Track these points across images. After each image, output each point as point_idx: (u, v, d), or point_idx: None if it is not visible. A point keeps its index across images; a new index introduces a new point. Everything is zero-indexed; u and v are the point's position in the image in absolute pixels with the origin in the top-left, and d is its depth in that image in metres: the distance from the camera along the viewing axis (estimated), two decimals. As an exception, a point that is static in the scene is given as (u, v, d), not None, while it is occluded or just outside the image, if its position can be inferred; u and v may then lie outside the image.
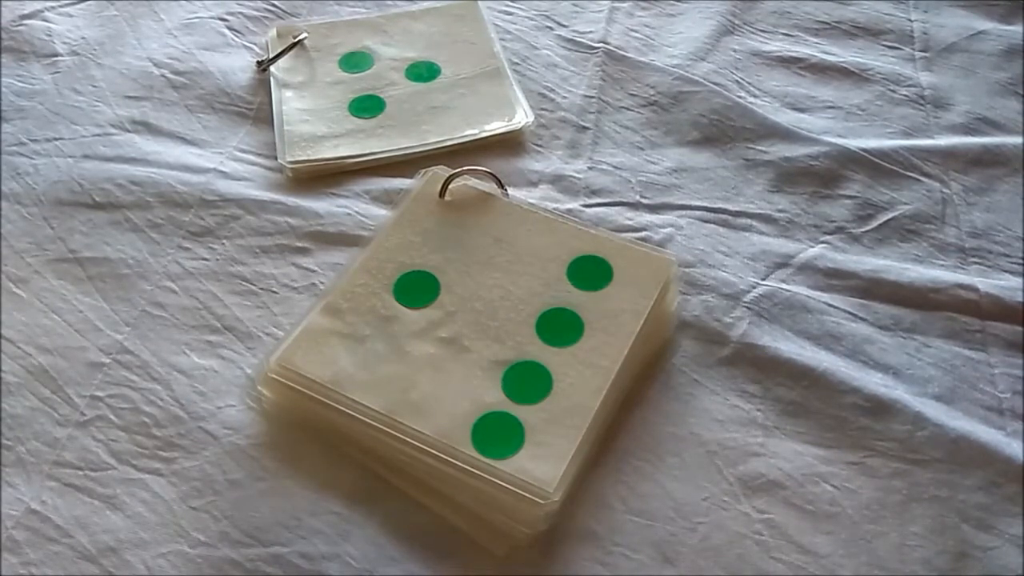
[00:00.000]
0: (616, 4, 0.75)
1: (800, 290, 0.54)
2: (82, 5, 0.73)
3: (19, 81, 0.66)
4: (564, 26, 0.73)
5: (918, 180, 0.61)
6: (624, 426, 0.48)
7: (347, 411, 0.46)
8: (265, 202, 0.58)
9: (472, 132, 0.63)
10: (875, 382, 0.50)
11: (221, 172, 0.60)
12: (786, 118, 0.65)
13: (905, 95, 0.68)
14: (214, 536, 0.44)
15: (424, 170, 0.56)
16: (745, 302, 0.53)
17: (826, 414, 0.49)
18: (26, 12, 0.71)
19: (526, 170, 0.61)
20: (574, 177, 0.61)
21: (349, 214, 0.58)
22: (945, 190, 0.61)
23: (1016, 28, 0.73)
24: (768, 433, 0.48)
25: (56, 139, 0.62)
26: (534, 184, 0.61)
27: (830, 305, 0.54)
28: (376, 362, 0.48)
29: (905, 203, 0.60)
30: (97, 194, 0.58)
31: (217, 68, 0.67)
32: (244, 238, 0.56)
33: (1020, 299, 0.54)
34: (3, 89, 0.65)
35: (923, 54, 0.71)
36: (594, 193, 0.60)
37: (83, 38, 0.69)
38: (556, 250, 0.52)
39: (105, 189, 0.58)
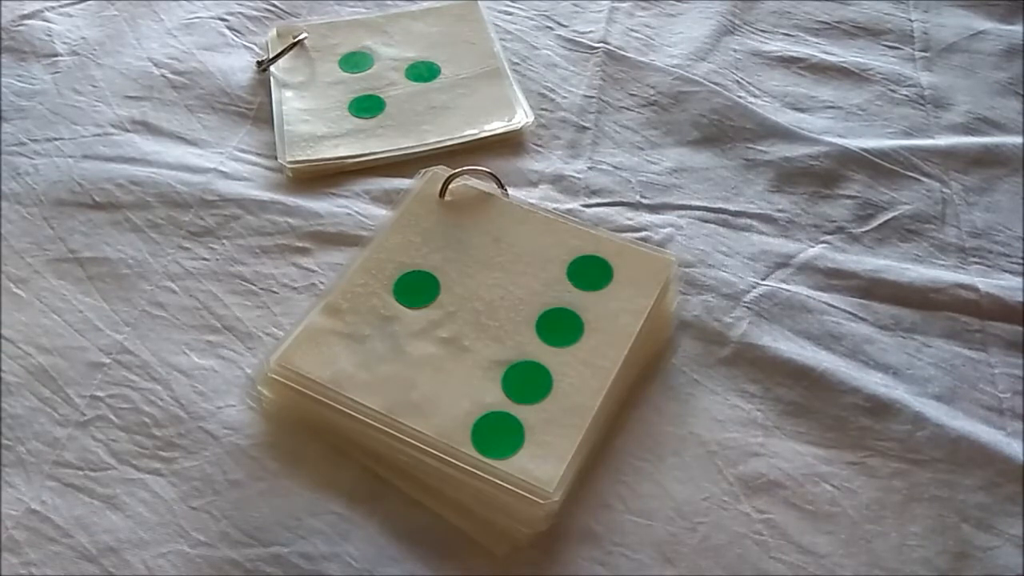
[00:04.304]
0: (616, 4, 0.75)
1: (800, 290, 0.54)
2: (82, 5, 0.73)
3: (19, 81, 0.66)
4: (564, 26, 0.73)
5: (918, 180, 0.61)
6: (624, 426, 0.48)
7: (347, 411, 0.46)
8: (265, 202, 0.58)
9: (472, 132, 0.63)
10: (875, 382, 0.50)
11: (221, 172, 0.60)
12: (786, 118, 0.65)
13: (905, 95, 0.68)
14: (214, 536, 0.44)
15: (424, 170, 0.56)
16: (745, 302, 0.53)
17: (826, 414, 0.49)
18: (26, 12, 0.71)
19: (526, 170, 0.61)
20: (574, 177, 0.61)
21: (349, 214, 0.58)
22: (945, 190, 0.61)
23: (1016, 28, 0.73)
24: (768, 433, 0.48)
25: (56, 139, 0.62)
26: (534, 184, 0.61)
27: (830, 305, 0.54)
28: (376, 362, 0.48)
29: (905, 203, 0.60)
30: (97, 194, 0.58)
31: (217, 68, 0.67)
32: (244, 238, 0.56)
33: (1020, 299, 0.54)
34: (3, 89, 0.65)
35: (923, 54, 0.71)
36: (594, 193, 0.60)
37: (83, 38, 0.69)
38: (556, 250, 0.52)
39: (105, 189, 0.58)
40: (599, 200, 0.60)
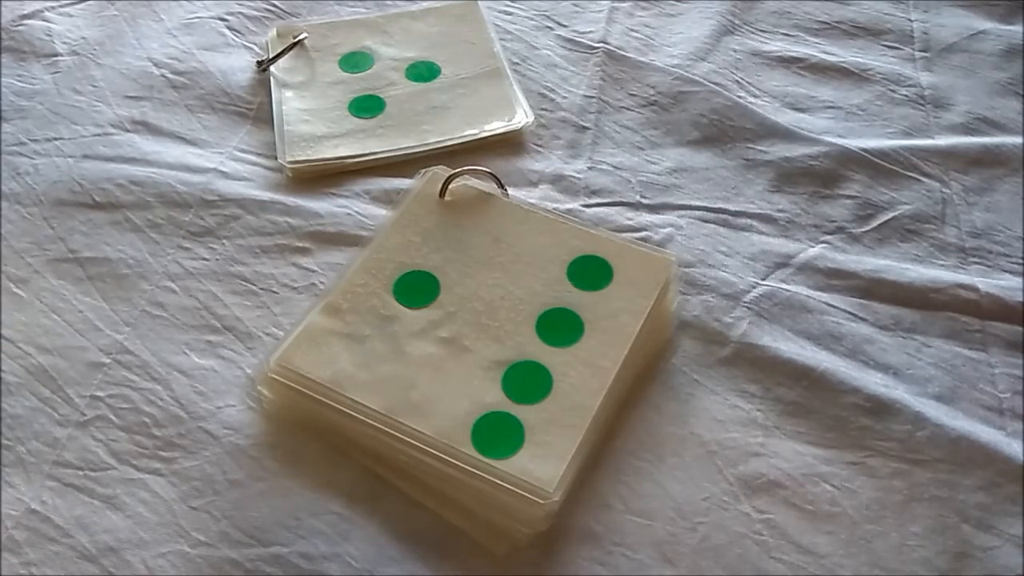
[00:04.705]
0: (616, 4, 0.75)
1: (800, 290, 0.54)
2: (82, 5, 0.73)
3: (19, 81, 0.66)
4: (564, 26, 0.73)
5: (918, 180, 0.61)
6: (624, 426, 0.48)
7: (347, 411, 0.46)
8: (265, 202, 0.58)
9: (472, 132, 0.63)
10: (875, 382, 0.50)
11: (221, 172, 0.60)
12: (786, 118, 0.65)
13: (905, 95, 0.68)
14: (214, 536, 0.44)
15: (424, 170, 0.56)
16: (745, 302, 0.53)
17: (826, 414, 0.49)
18: (26, 12, 0.71)
19: (526, 170, 0.61)
20: (574, 177, 0.61)
21: (349, 214, 0.58)
22: (945, 190, 0.61)
23: (1016, 28, 0.73)
24: (768, 433, 0.48)
25: (56, 139, 0.62)
26: (534, 184, 0.61)
27: (830, 305, 0.54)
28: (376, 362, 0.48)
29: (905, 203, 0.60)
30: (97, 194, 0.58)
31: (217, 68, 0.67)
32: (244, 238, 0.56)
33: (1020, 299, 0.54)
34: (3, 89, 0.65)
35: (923, 54, 0.71)
36: (594, 193, 0.60)
37: (83, 38, 0.69)
38: (556, 250, 0.52)
39: (105, 189, 0.58)
40: (599, 200, 0.60)
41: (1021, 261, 0.57)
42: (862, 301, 0.54)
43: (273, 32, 0.70)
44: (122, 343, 0.51)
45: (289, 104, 0.65)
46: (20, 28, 0.70)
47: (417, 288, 0.51)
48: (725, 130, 0.64)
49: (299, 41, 0.68)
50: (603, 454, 0.47)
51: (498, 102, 0.65)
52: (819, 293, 0.54)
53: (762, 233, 0.58)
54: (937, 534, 0.44)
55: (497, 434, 0.45)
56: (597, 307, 0.50)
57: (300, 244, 0.56)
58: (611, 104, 0.66)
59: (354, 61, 0.68)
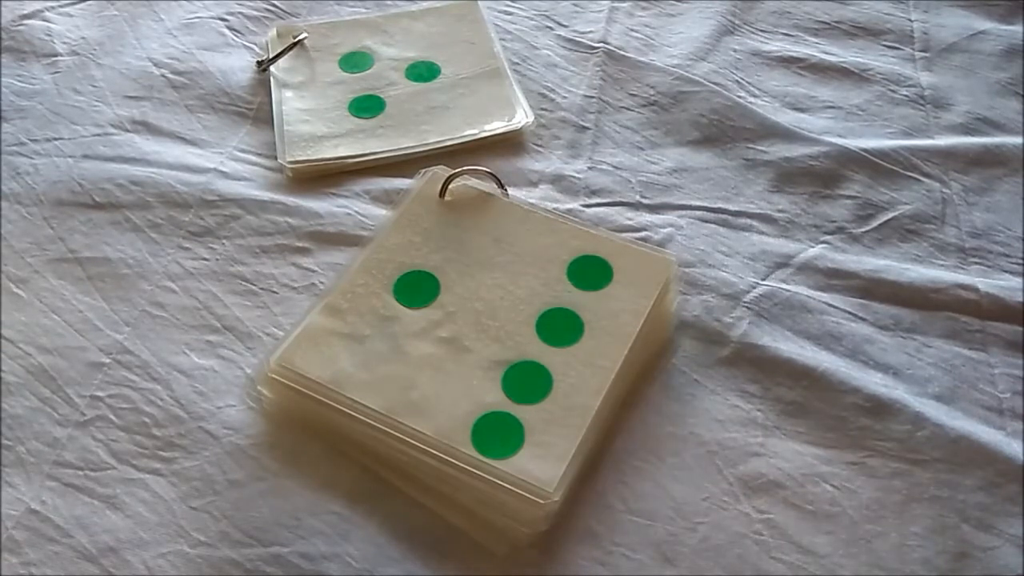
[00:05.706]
0: (616, 4, 0.75)
1: (800, 290, 0.54)
2: (82, 5, 0.73)
3: (19, 81, 0.66)
4: (564, 26, 0.73)
5: (918, 180, 0.61)
6: (624, 426, 0.48)
7: (347, 411, 0.46)
8: (265, 202, 0.58)
9: (472, 132, 0.63)
10: (875, 382, 0.50)
11: (221, 172, 0.60)
12: (786, 118, 0.65)
13: (905, 95, 0.68)
14: (214, 536, 0.44)
15: (424, 170, 0.56)
16: (745, 302, 0.53)
17: (826, 414, 0.49)
18: (26, 12, 0.71)
19: (526, 170, 0.61)
20: (574, 177, 0.61)
21: (349, 214, 0.58)
22: (945, 190, 0.61)
23: (1016, 28, 0.73)
24: (768, 433, 0.48)
25: (56, 139, 0.62)
26: (534, 184, 0.61)
27: (830, 305, 0.54)
28: (376, 362, 0.48)
29: (905, 203, 0.60)
30: (97, 194, 0.58)
31: (217, 68, 0.67)
32: (244, 238, 0.56)
33: (1020, 299, 0.54)
34: (3, 89, 0.65)
35: (923, 54, 0.71)
36: (594, 193, 0.60)
37: (83, 38, 0.69)
38: (556, 250, 0.52)
39: (105, 189, 0.58)
40: (599, 200, 0.60)
41: (1021, 261, 0.57)
42: (862, 301, 0.54)
43: (273, 32, 0.70)
44: (122, 343, 0.51)
45: (289, 104, 0.65)
46: (20, 28, 0.70)
47: (417, 288, 0.51)
48: (725, 130, 0.64)
49: (299, 41, 0.68)
50: (603, 454, 0.47)
51: (498, 102, 0.65)
52: (819, 293, 0.54)
53: (762, 233, 0.58)
54: (937, 534, 0.44)
55: (497, 434, 0.45)
56: (597, 307, 0.50)
57: (300, 244, 0.56)
58: (611, 104, 0.66)
59: (354, 61, 0.68)
